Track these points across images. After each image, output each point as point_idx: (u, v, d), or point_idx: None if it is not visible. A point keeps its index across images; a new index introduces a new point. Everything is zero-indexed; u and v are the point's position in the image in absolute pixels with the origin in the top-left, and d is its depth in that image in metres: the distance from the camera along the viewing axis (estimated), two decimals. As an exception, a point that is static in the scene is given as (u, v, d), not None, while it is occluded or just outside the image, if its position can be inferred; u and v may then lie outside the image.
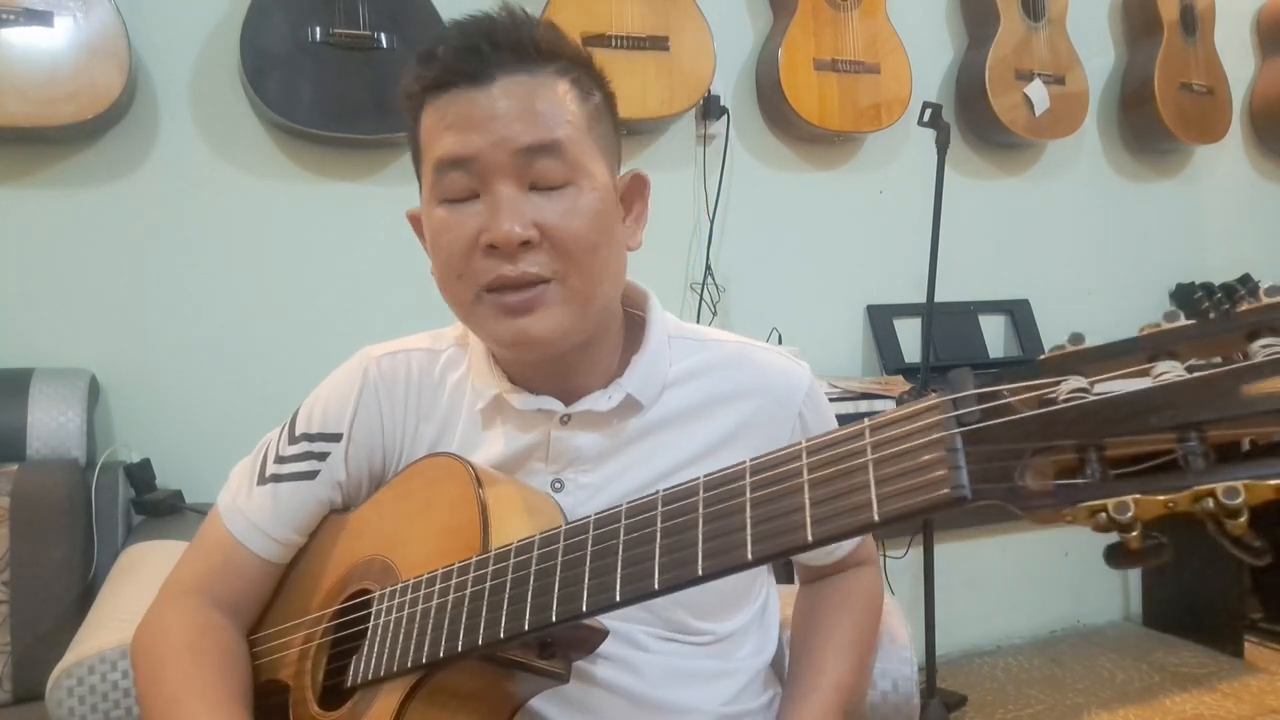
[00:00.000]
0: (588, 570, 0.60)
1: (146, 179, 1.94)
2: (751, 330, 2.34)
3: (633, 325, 0.87)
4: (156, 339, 1.94)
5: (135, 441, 1.89)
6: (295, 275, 2.04)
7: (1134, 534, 0.41)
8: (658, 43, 2.15)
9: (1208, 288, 2.93)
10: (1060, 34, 2.63)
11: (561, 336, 0.77)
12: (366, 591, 0.79)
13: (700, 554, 0.55)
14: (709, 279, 2.36)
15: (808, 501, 0.51)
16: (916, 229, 2.30)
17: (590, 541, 0.62)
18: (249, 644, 0.87)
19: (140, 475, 1.77)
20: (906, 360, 2.50)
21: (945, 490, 0.45)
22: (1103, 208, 2.90)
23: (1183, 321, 0.42)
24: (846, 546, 0.97)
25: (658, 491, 0.60)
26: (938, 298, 2.16)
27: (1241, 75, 3.06)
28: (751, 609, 0.90)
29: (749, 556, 0.53)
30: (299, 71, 1.88)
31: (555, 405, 0.82)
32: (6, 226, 1.85)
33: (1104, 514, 0.41)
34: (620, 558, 0.59)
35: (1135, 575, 2.95)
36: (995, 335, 2.70)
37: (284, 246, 2.04)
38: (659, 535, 0.58)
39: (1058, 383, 0.43)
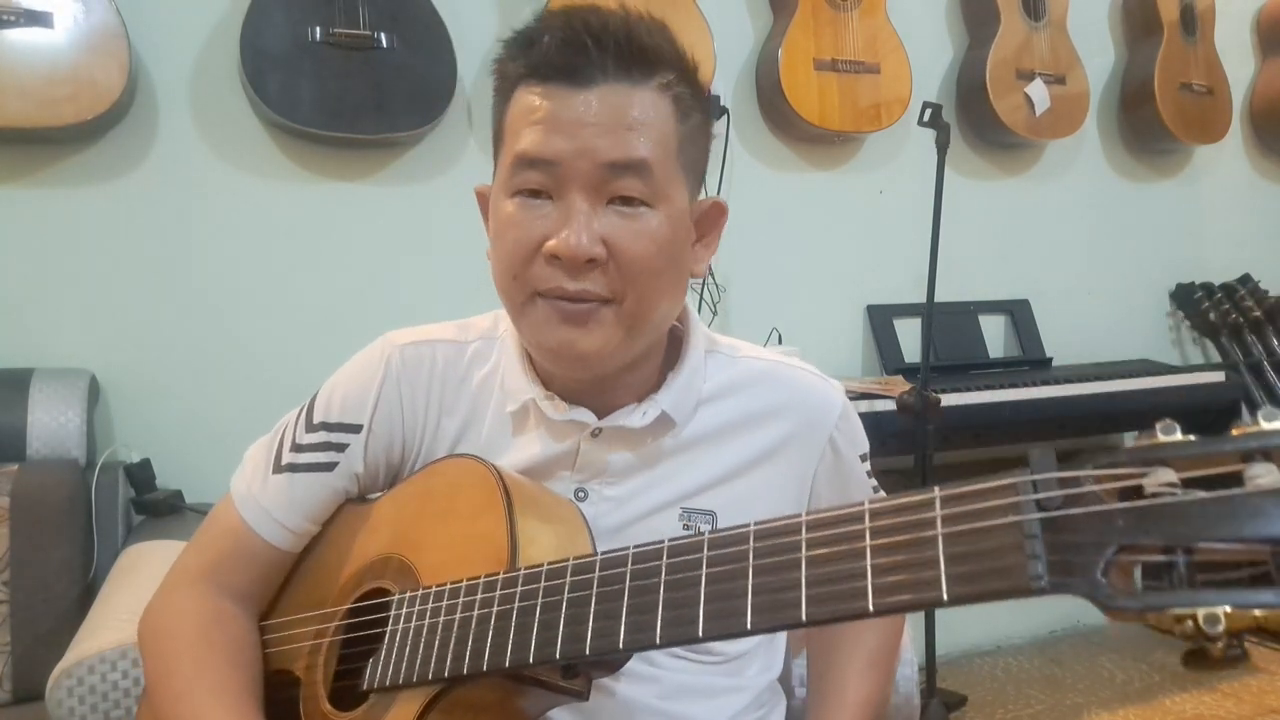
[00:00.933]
0: (625, 606, 0.59)
1: (146, 179, 1.94)
2: (751, 330, 2.34)
3: (672, 340, 0.85)
4: (156, 339, 1.94)
5: (135, 441, 1.88)
6: (295, 275, 2.04)
7: (1220, 646, 0.39)
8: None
9: (1208, 288, 2.93)
10: (1060, 34, 2.63)
11: (608, 356, 0.75)
12: (383, 591, 0.78)
13: (750, 606, 0.53)
14: (709, 279, 2.36)
15: (869, 569, 0.49)
16: (916, 229, 2.30)
17: (629, 576, 0.60)
18: (271, 630, 0.86)
19: (140, 475, 1.77)
20: (906, 360, 2.50)
21: (1020, 580, 0.43)
22: (1103, 208, 2.90)
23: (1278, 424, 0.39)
24: None
25: (703, 534, 0.58)
26: (938, 298, 2.16)
27: (1241, 75, 3.06)
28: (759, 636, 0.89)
29: (802, 617, 0.50)
30: (299, 71, 1.88)
31: (588, 417, 0.80)
32: (6, 226, 1.85)
33: (1191, 623, 0.38)
34: (661, 598, 0.57)
35: (1135, 575, 2.95)
36: (995, 335, 2.70)
37: (284, 246, 2.04)
38: (704, 581, 0.56)
39: (1144, 474, 0.40)
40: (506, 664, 0.64)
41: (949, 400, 2.10)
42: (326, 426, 0.84)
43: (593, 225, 0.72)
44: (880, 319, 2.54)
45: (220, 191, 1.99)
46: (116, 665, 1.11)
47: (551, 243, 0.72)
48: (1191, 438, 0.41)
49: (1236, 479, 0.38)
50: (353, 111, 1.93)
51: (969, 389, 2.26)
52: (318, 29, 1.88)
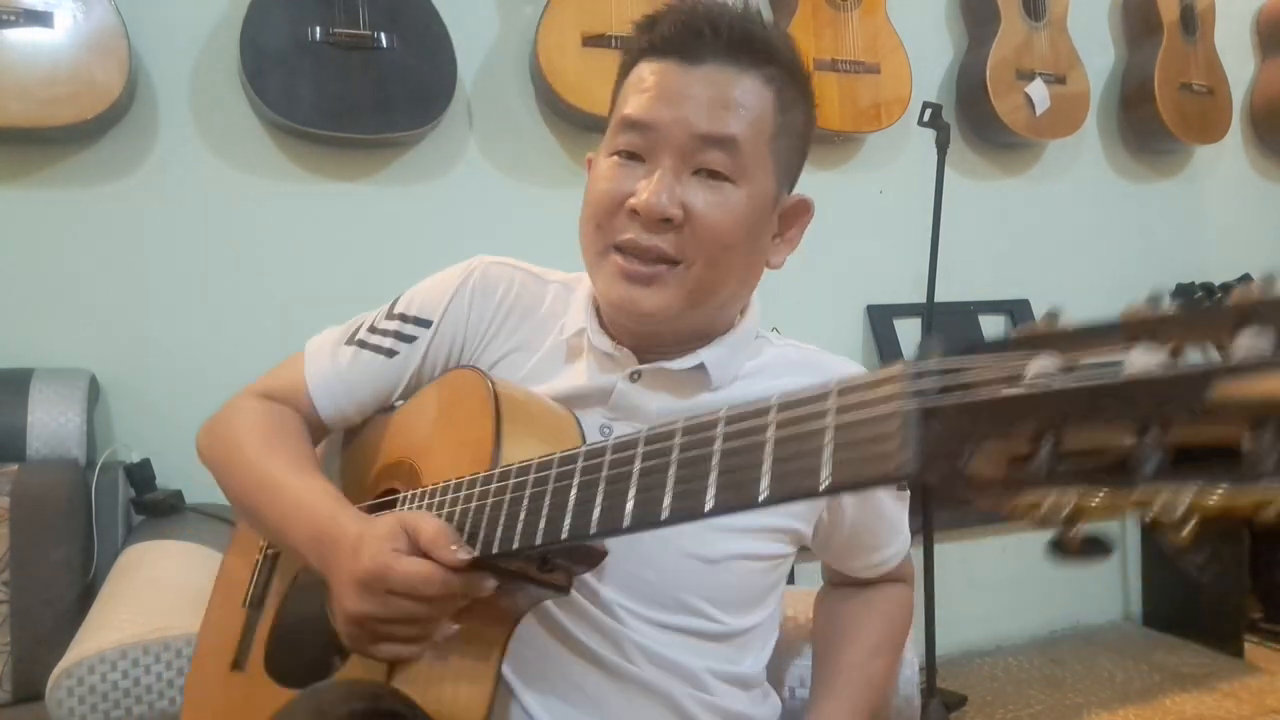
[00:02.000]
0: (600, 493, 0.61)
1: (146, 179, 1.94)
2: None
3: (731, 323, 0.89)
4: (156, 339, 1.94)
5: (135, 441, 1.88)
6: (295, 275, 2.04)
7: (1072, 533, 0.39)
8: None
9: (1208, 288, 2.93)
10: (1061, 34, 2.63)
11: (666, 317, 0.79)
12: (394, 491, 0.83)
13: (668, 494, 0.56)
14: (709, 279, 2.36)
15: (768, 459, 0.51)
16: (916, 229, 2.30)
17: (606, 465, 0.62)
18: None
19: (140, 475, 1.77)
20: (906, 360, 2.50)
21: (891, 466, 0.44)
22: (1103, 208, 2.90)
23: (1168, 305, 0.38)
24: (894, 560, 0.97)
25: (701, 382, 0.63)
26: (938, 298, 2.17)
27: (1241, 75, 3.06)
28: (765, 611, 0.90)
29: (705, 508, 0.53)
30: (299, 71, 1.88)
31: (630, 359, 0.84)
32: (6, 226, 1.85)
33: (1037, 510, 0.39)
34: (605, 489, 0.60)
35: (1135, 575, 2.95)
36: (995, 335, 2.70)
37: (284, 246, 2.04)
38: (635, 475, 0.59)
39: (1025, 362, 0.40)
40: (493, 552, 0.67)
41: (949, 400, 2.10)
42: (403, 318, 0.91)
43: (675, 189, 0.77)
44: (880, 319, 2.54)
45: (220, 191, 1.99)
46: (116, 665, 1.11)
47: (634, 199, 0.77)
48: (1076, 324, 0.40)
49: (1117, 365, 0.38)
50: (353, 111, 1.92)
51: (969, 389, 2.26)
52: (318, 29, 1.88)
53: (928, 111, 2.05)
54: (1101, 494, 0.37)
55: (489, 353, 0.90)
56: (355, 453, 0.95)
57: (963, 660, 2.63)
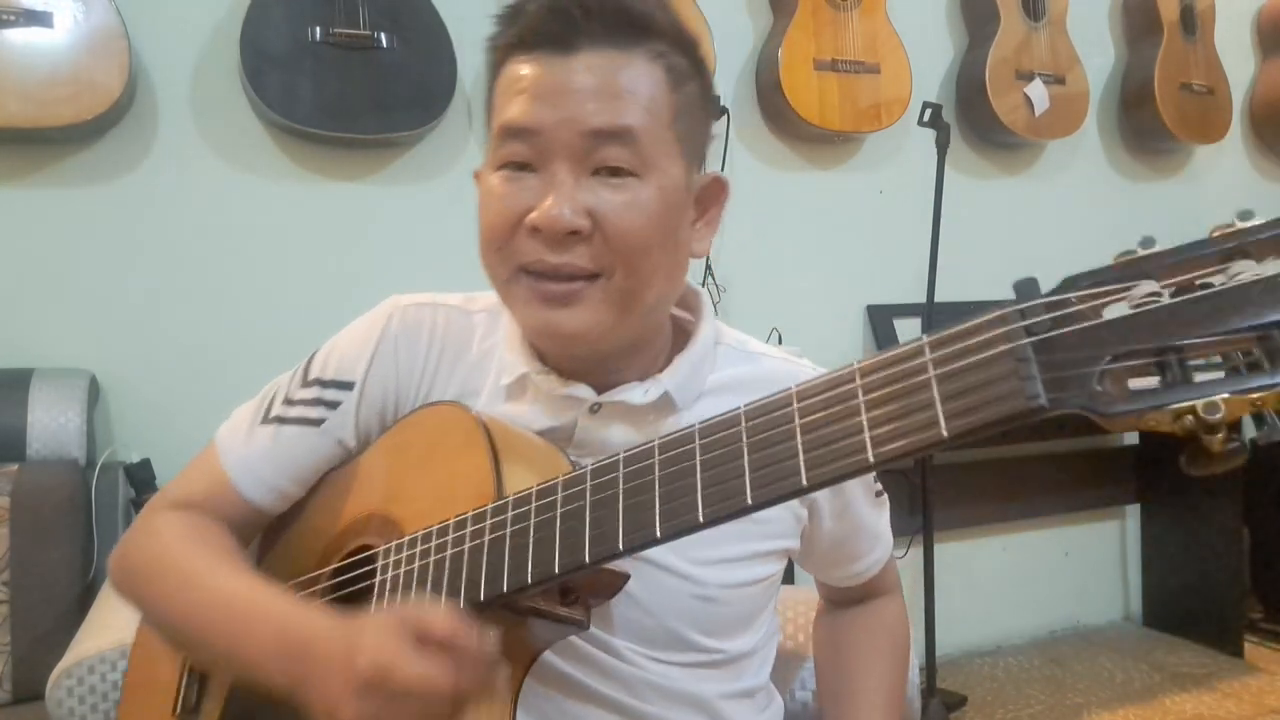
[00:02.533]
0: (621, 506, 0.58)
1: (146, 179, 1.94)
2: (751, 330, 2.33)
3: (681, 327, 0.83)
4: (156, 339, 1.94)
5: (135, 441, 1.88)
6: (295, 275, 2.04)
7: (1219, 436, 0.40)
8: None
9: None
10: (1060, 34, 2.63)
11: (596, 337, 0.72)
12: (366, 548, 0.76)
13: (749, 484, 0.53)
14: (709, 279, 2.36)
15: (865, 423, 0.49)
16: (916, 229, 2.30)
17: (622, 479, 0.59)
18: None
19: (140, 475, 1.77)
20: (906, 360, 2.50)
21: (1020, 401, 0.43)
22: (1103, 208, 2.90)
23: (1256, 220, 0.40)
24: (874, 568, 0.93)
25: (693, 426, 0.57)
26: (938, 298, 2.17)
27: (1241, 75, 3.06)
28: (764, 628, 0.88)
29: (804, 482, 0.50)
30: (299, 71, 1.88)
31: (587, 393, 0.77)
32: (6, 226, 1.85)
33: (1191, 416, 0.40)
34: (658, 491, 0.56)
35: (1135, 575, 2.95)
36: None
37: (284, 246, 2.04)
38: (699, 468, 0.55)
39: (1129, 287, 0.42)
40: (505, 589, 0.62)
41: (949, 400, 2.10)
42: (320, 383, 0.82)
43: (576, 197, 0.69)
44: (880, 319, 2.54)
45: (220, 191, 1.99)
46: (116, 665, 1.10)
47: (533, 215, 0.69)
48: (1170, 247, 0.42)
49: (1217, 278, 0.40)
50: (353, 111, 1.92)
51: (969, 389, 2.26)
52: (318, 29, 1.88)
53: (928, 111, 2.05)
54: (1254, 394, 0.39)
55: (431, 400, 0.82)
56: (309, 515, 0.85)
57: (963, 660, 2.63)
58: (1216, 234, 0.40)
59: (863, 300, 2.56)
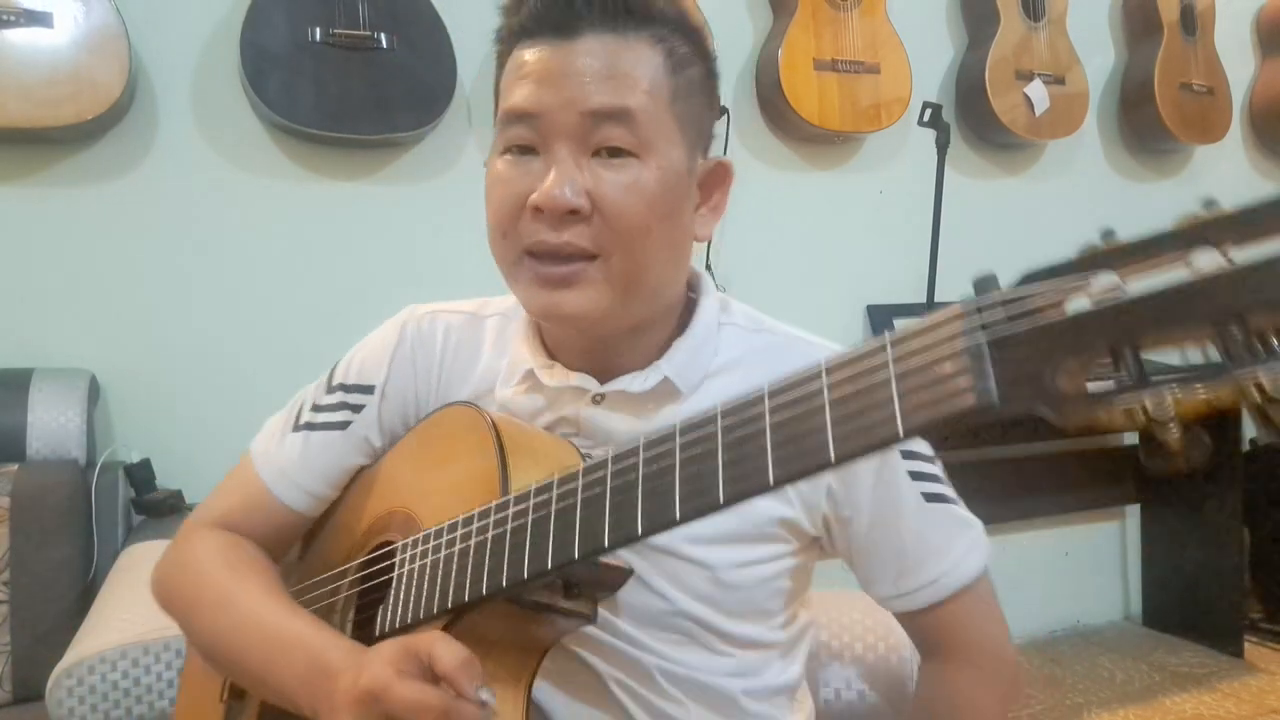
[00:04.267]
0: (608, 505, 0.59)
1: (146, 179, 1.94)
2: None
3: (687, 309, 0.83)
4: (156, 339, 1.94)
5: (135, 441, 1.88)
6: (295, 275, 2.04)
7: (1174, 432, 0.39)
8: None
9: (1208, 288, 2.92)
10: (1060, 34, 2.63)
11: (597, 318, 0.73)
12: (390, 544, 0.79)
13: (721, 481, 0.53)
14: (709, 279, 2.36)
15: (829, 421, 0.49)
16: (916, 229, 2.30)
17: (609, 477, 0.60)
18: None
19: (140, 475, 1.77)
20: (906, 360, 2.50)
21: (970, 399, 0.43)
22: (1103, 208, 2.89)
23: (1220, 206, 0.39)
24: (927, 592, 0.82)
25: (674, 425, 0.58)
26: (938, 298, 2.17)
27: (1241, 75, 3.06)
28: (781, 627, 0.85)
29: (770, 480, 0.51)
30: (299, 71, 1.88)
31: (589, 383, 0.79)
32: (6, 226, 1.85)
33: (1142, 413, 0.39)
34: (640, 490, 0.58)
35: (1135, 575, 2.95)
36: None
37: (284, 246, 2.04)
38: (678, 466, 0.56)
39: (1087, 281, 0.41)
40: (504, 583, 0.64)
41: (949, 400, 2.10)
42: (344, 388, 0.86)
43: (575, 176, 0.71)
44: (880, 319, 2.54)
45: (220, 191, 1.99)
46: (116, 665, 1.11)
47: (534, 195, 0.71)
48: (1131, 239, 0.41)
49: (1182, 271, 0.39)
50: (353, 111, 1.92)
51: (969, 389, 2.26)
52: (318, 29, 1.88)
53: (928, 111, 2.05)
54: (1200, 388, 0.38)
55: (445, 397, 0.85)
56: (339, 513, 0.89)
57: (963, 660, 2.63)
58: (1175, 225, 0.40)
59: (863, 300, 2.56)
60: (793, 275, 2.49)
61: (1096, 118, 2.85)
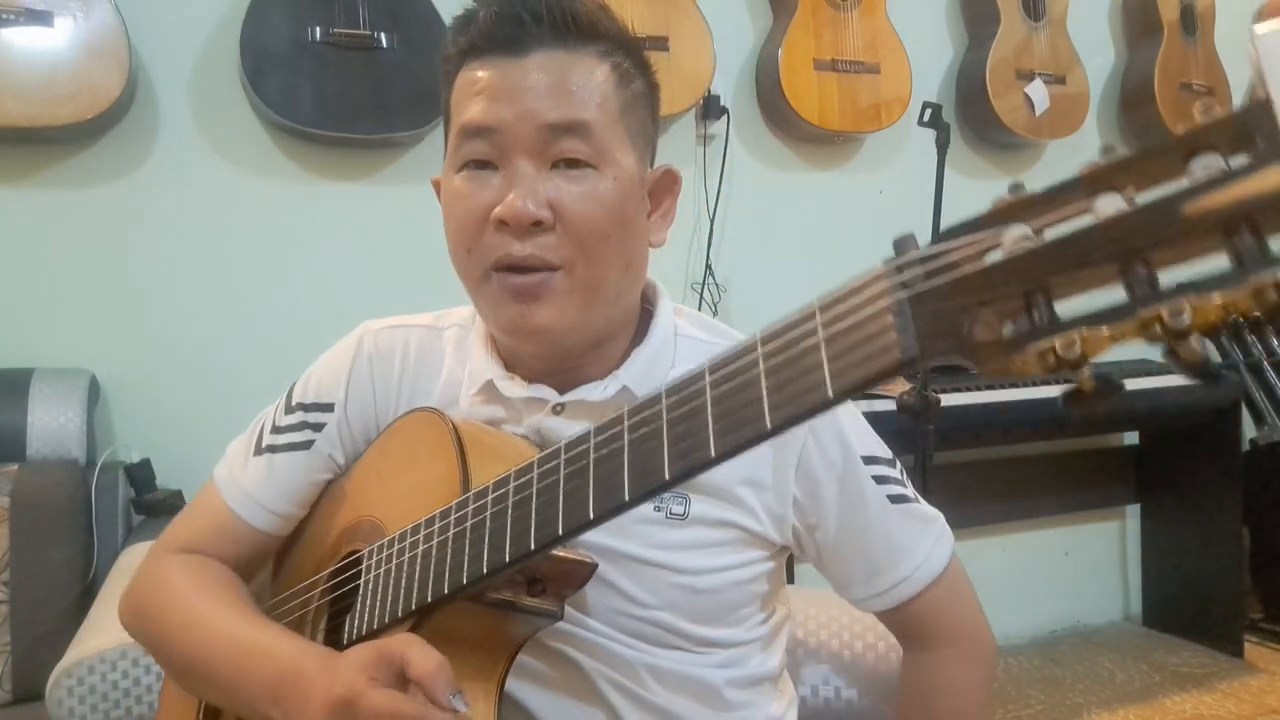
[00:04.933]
0: (561, 493, 0.60)
1: (146, 179, 1.94)
2: (751, 331, 2.34)
3: (644, 321, 0.85)
4: (156, 339, 1.94)
5: (135, 441, 1.89)
6: (295, 275, 2.04)
7: (1085, 373, 0.40)
8: (657, 43, 2.15)
9: (1208, 288, 2.92)
10: (1061, 34, 2.63)
11: (565, 329, 0.75)
12: (358, 552, 0.79)
13: (666, 459, 0.55)
14: (709, 279, 2.36)
15: (764, 391, 0.51)
16: (916, 229, 2.29)
17: (562, 465, 0.61)
18: None
19: (140, 475, 1.77)
20: (906, 360, 2.50)
21: (895, 354, 0.45)
22: (1103, 208, 2.90)
23: (1120, 152, 0.40)
24: (899, 591, 0.85)
25: (623, 409, 0.59)
26: (938, 298, 2.16)
27: (1241, 75, 3.06)
28: (759, 624, 0.86)
29: (712, 453, 0.53)
30: (299, 71, 1.88)
31: (549, 394, 0.80)
32: (6, 226, 1.85)
33: (1052, 355, 0.40)
34: (591, 475, 0.59)
35: (1135, 575, 2.95)
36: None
37: (284, 246, 2.04)
38: (626, 449, 0.57)
39: (1000, 234, 0.42)
40: (465, 580, 0.65)
41: (949, 400, 2.10)
42: (303, 407, 0.87)
43: (537, 189, 0.72)
44: (880, 319, 2.54)
45: (220, 191, 1.99)
46: (116, 665, 1.10)
47: (498, 209, 0.72)
48: (1038, 191, 0.42)
49: (1087, 216, 0.40)
50: (353, 111, 1.93)
51: (969, 389, 2.26)
52: (318, 29, 1.88)
53: (928, 111, 2.05)
54: (1105, 328, 0.39)
55: (403, 409, 0.86)
56: (308, 528, 0.89)
57: (963, 660, 2.63)
58: (1085, 171, 0.41)
59: (863, 300, 2.56)
60: (793, 275, 2.49)
61: (1097, 118, 2.85)
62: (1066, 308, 0.41)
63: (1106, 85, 2.89)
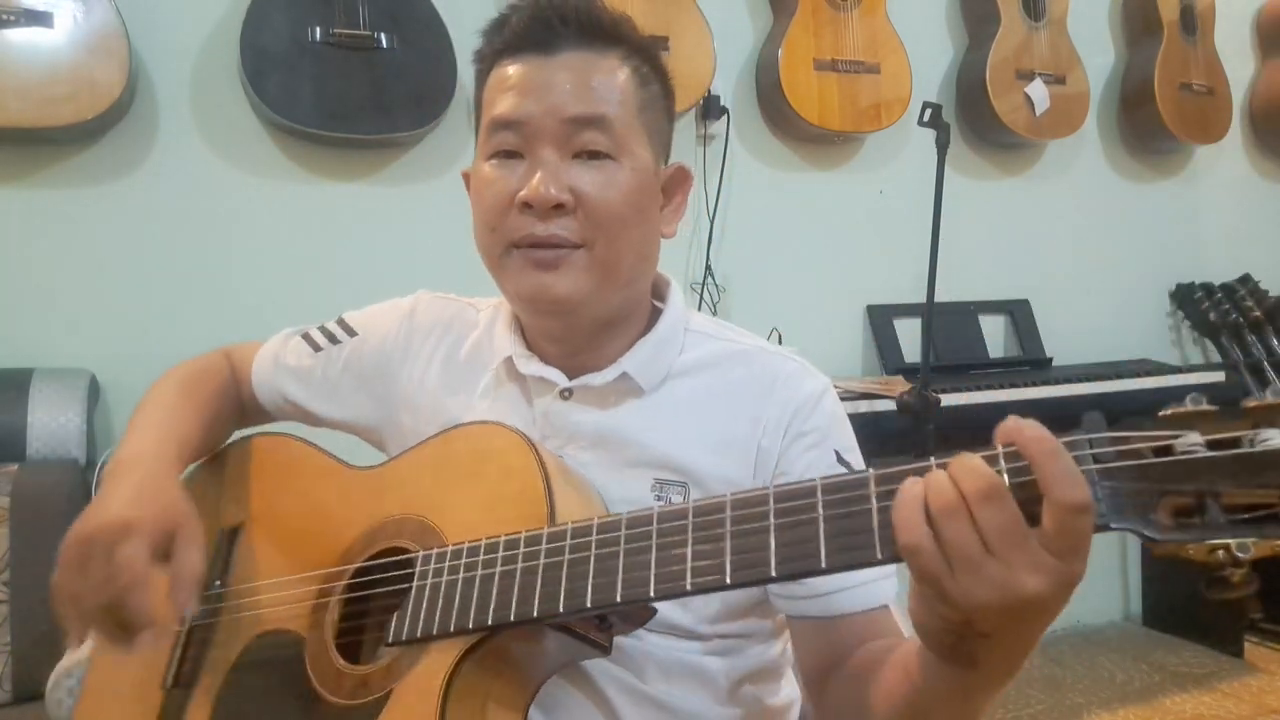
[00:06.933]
0: (654, 559, 0.64)
1: (146, 179, 1.94)
2: (751, 330, 2.34)
3: (652, 318, 0.89)
4: (156, 339, 1.94)
5: (135, 441, 1.88)
6: (295, 275, 2.04)
7: (1242, 570, 0.50)
8: (658, 43, 2.15)
9: (1207, 288, 2.93)
10: (1061, 34, 2.63)
11: (580, 300, 0.80)
12: (399, 550, 0.79)
13: (773, 557, 0.59)
14: (709, 279, 2.36)
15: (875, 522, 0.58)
16: (916, 229, 2.29)
17: (655, 534, 0.65)
18: (255, 592, 0.87)
19: (140, 475, 1.77)
20: (906, 360, 2.50)
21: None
22: (1103, 208, 2.90)
23: None
24: (849, 601, 0.78)
25: (726, 496, 0.63)
26: (938, 298, 2.16)
27: (1241, 75, 3.06)
28: (756, 622, 0.85)
29: (822, 564, 0.58)
30: (299, 71, 1.88)
31: (559, 378, 0.85)
32: (6, 226, 1.85)
33: (1224, 551, 0.50)
34: (690, 549, 0.63)
35: (1135, 575, 2.95)
36: (995, 335, 2.70)
37: (284, 246, 2.04)
38: (728, 535, 0.62)
39: (1176, 436, 0.51)
40: (560, 609, 0.66)
41: (949, 400, 2.10)
42: (341, 324, 1.00)
43: (560, 175, 0.78)
44: (880, 319, 2.54)
45: (220, 191, 1.99)
46: (116, 665, 1.10)
47: (522, 192, 0.78)
48: (1214, 407, 0.51)
49: (1249, 440, 0.49)
50: (353, 111, 1.93)
51: (969, 389, 2.26)
52: (318, 29, 1.89)
53: (928, 111, 2.05)
54: (1274, 539, 0.49)
55: (424, 387, 0.93)
56: (323, 510, 0.88)
57: (963, 660, 2.63)
58: (1249, 405, 0.50)
59: (863, 300, 2.56)
60: (793, 275, 2.49)
61: (1097, 117, 2.85)
62: (1231, 514, 0.50)
63: (1106, 85, 2.89)
